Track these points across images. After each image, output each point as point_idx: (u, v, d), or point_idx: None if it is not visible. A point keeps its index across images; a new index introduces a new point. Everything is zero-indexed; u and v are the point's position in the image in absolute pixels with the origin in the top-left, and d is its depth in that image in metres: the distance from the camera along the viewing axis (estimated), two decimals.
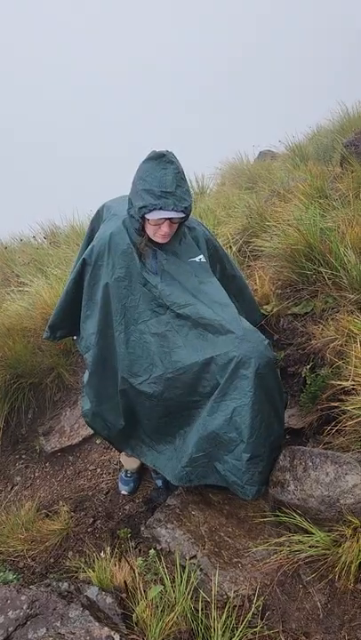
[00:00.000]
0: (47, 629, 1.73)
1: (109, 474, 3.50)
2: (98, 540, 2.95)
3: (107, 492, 3.34)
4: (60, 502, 3.28)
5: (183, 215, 2.22)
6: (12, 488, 3.67)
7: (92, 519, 3.12)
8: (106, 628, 1.70)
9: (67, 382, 4.02)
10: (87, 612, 1.77)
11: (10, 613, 1.79)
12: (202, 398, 2.36)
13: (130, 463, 3.20)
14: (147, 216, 2.20)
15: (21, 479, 3.71)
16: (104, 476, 3.51)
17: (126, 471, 3.25)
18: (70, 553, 2.90)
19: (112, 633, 1.69)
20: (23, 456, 3.86)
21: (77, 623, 1.74)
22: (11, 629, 1.74)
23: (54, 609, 1.80)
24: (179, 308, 2.32)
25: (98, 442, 3.71)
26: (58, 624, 1.74)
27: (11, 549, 2.91)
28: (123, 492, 3.24)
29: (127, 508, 3.18)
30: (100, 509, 3.21)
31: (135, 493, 3.24)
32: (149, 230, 2.28)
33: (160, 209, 2.16)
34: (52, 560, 2.87)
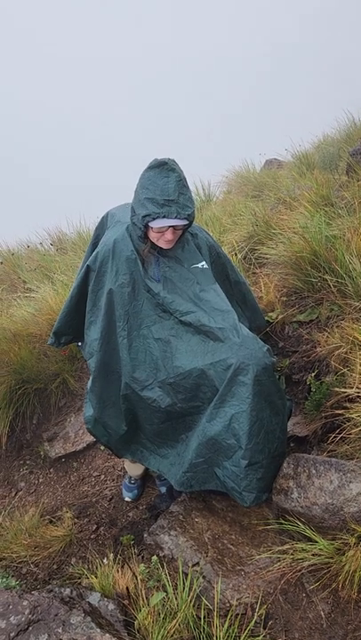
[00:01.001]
0: (49, 635, 1.73)
1: (113, 480, 3.50)
2: (101, 546, 2.95)
3: (110, 499, 3.33)
4: (64, 508, 3.27)
5: (186, 222, 2.23)
6: (16, 493, 3.67)
7: (95, 526, 3.12)
8: (107, 635, 1.69)
9: (72, 388, 4.02)
10: (89, 618, 1.77)
11: (12, 619, 1.79)
12: (203, 403, 2.36)
13: (134, 470, 3.19)
14: (150, 224, 2.20)
15: (25, 485, 3.71)
16: (108, 482, 3.50)
17: (130, 478, 3.25)
18: (73, 559, 2.89)
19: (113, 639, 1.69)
20: (27, 462, 3.87)
21: (79, 629, 1.73)
22: (12, 635, 1.73)
23: (56, 615, 1.80)
24: (181, 315, 2.34)
25: (102, 448, 3.71)
26: (59, 630, 1.74)
27: (14, 555, 2.90)
28: (126, 499, 3.24)
29: (131, 514, 3.17)
30: (103, 516, 3.20)
31: (139, 500, 3.24)
32: (153, 237, 2.30)
33: (163, 217, 2.16)
34: (54, 566, 2.87)
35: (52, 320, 4.00)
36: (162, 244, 2.32)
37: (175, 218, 2.17)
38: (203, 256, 2.49)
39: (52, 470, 3.76)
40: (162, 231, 2.24)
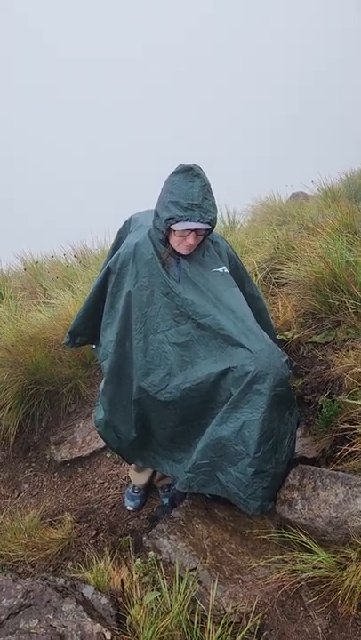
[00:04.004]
0: (39, 620, 1.70)
1: (116, 488, 3.47)
2: (99, 552, 2.91)
3: (112, 506, 3.31)
4: (65, 512, 3.25)
5: (209, 227, 2.27)
6: (18, 494, 3.65)
7: (95, 531, 3.09)
8: (98, 625, 1.67)
9: (83, 394, 4.03)
10: (81, 607, 1.74)
11: (4, 601, 1.77)
12: (217, 407, 2.35)
13: (138, 479, 3.17)
14: (173, 227, 2.24)
15: (29, 487, 3.70)
16: (111, 490, 3.48)
17: (134, 487, 3.22)
18: (70, 563, 2.86)
19: (103, 630, 1.66)
20: (33, 464, 3.86)
21: (70, 617, 1.71)
22: (3, 617, 1.72)
23: (48, 601, 1.78)
24: (199, 318, 2.34)
25: (108, 455, 3.69)
26: (50, 616, 1.72)
27: (11, 554, 2.88)
28: (128, 508, 3.21)
29: (131, 523, 3.14)
30: (104, 522, 3.17)
31: (140, 510, 3.20)
32: (174, 241, 2.33)
33: (186, 220, 2.20)
34: (51, 568, 2.84)
35: (69, 326, 4.04)
36: (182, 250, 2.35)
37: (198, 222, 2.20)
38: (223, 262, 2.51)
39: (56, 474, 3.75)
40: (184, 235, 2.27)
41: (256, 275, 4.33)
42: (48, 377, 3.93)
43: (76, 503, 3.44)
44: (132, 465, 3.09)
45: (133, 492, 3.22)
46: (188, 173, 2.23)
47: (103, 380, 2.76)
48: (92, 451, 3.73)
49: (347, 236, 4.19)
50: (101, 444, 3.66)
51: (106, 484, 3.54)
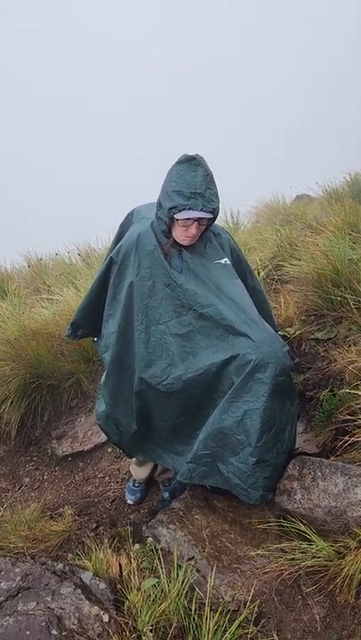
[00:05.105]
0: (37, 603, 1.71)
1: (117, 483, 3.47)
2: (98, 545, 2.91)
3: (113, 500, 3.31)
4: (66, 506, 3.25)
5: (211, 216, 2.27)
6: (19, 488, 3.66)
7: (95, 524, 3.09)
8: (96, 607, 1.67)
9: (85, 389, 4.04)
10: (79, 590, 1.75)
11: (2, 584, 1.78)
12: (219, 397, 2.35)
13: (139, 473, 3.17)
14: (176, 216, 2.25)
15: (30, 480, 3.71)
16: (112, 484, 3.48)
17: (134, 481, 3.22)
18: (70, 555, 2.85)
19: (101, 612, 1.66)
20: (34, 458, 3.87)
21: (68, 600, 1.71)
22: (1, 599, 1.73)
23: (47, 584, 1.78)
24: (201, 308, 2.34)
25: (109, 450, 3.70)
26: (48, 599, 1.72)
27: (11, 545, 2.88)
28: (129, 502, 3.21)
29: (132, 517, 3.14)
30: (104, 516, 3.17)
31: (141, 504, 3.21)
32: (177, 232, 2.33)
33: (189, 209, 2.21)
34: (50, 560, 2.83)
35: None
36: (185, 241, 2.35)
37: (200, 210, 2.21)
38: (225, 254, 2.52)
39: (57, 468, 3.76)
40: (186, 225, 2.28)
41: (259, 272, 4.33)
42: (50, 371, 3.94)
43: (77, 497, 3.44)
44: (133, 459, 3.09)
45: (134, 486, 3.22)
46: (191, 163, 2.24)
47: (104, 373, 2.76)
48: (93, 445, 3.73)
49: (350, 235, 4.20)
50: (103, 438, 3.67)
51: (107, 478, 3.55)
